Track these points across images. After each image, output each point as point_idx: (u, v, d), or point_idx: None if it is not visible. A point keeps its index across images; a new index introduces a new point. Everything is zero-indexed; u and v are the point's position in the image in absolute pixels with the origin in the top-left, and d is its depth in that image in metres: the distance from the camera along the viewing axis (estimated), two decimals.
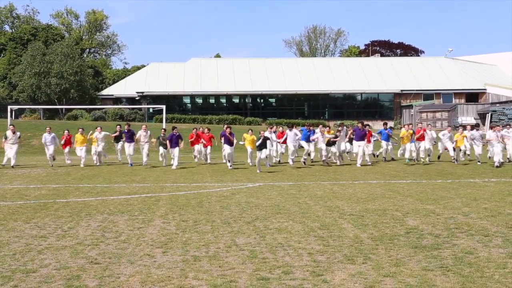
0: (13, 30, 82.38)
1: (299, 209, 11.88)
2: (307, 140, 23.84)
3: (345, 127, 24.91)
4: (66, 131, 25.52)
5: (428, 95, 60.74)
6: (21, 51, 66.52)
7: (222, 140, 23.65)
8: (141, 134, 24.41)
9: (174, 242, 8.63)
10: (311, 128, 24.62)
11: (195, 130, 26.33)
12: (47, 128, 25.59)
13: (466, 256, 7.52)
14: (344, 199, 13.37)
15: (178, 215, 11.20)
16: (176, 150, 23.00)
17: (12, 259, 7.61)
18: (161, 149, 24.01)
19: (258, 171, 20.52)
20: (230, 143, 22.94)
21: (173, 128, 23.90)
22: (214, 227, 9.86)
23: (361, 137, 23.52)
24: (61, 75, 58.25)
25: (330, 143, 23.53)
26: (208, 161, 25.51)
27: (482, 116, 53.81)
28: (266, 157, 21.01)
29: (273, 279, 6.55)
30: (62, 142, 25.21)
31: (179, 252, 7.96)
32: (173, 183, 17.42)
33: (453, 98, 60.15)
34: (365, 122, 26.07)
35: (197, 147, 25.91)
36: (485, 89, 60.10)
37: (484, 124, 52.21)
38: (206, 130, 25.98)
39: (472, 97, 60.42)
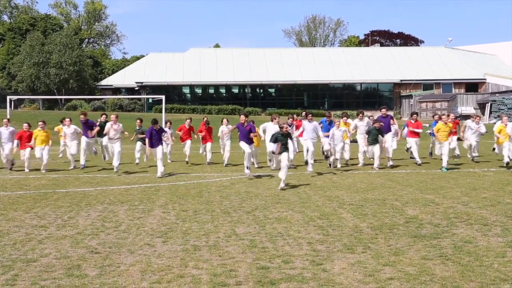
0: (12, 20, 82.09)
1: (298, 199, 11.90)
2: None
3: (366, 117, 19.80)
4: (25, 125, 19.09)
5: (427, 85, 60.67)
6: (20, 41, 66.34)
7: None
8: (109, 127, 17.92)
9: (174, 232, 8.65)
10: (332, 119, 18.89)
11: (189, 121, 21.10)
12: (4, 121, 19.58)
13: (465, 245, 7.55)
14: (344, 189, 13.38)
15: (178, 205, 11.22)
16: (159, 151, 16.59)
17: (13, 249, 7.64)
18: (139, 145, 19.23)
19: (282, 185, 13.52)
20: (248, 139, 16.73)
21: (154, 122, 16.92)
22: (214, 217, 9.88)
23: (388, 128, 18.77)
24: (60, 65, 58.11)
25: (373, 139, 17.80)
26: (208, 159, 20.54)
27: (481, 106, 53.79)
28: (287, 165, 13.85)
29: (273, 268, 6.57)
30: (15, 144, 18.59)
31: (179, 242, 7.98)
32: (172, 173, 17.42)
33: (453, 88, 60.10)
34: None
35: (189, 142, 20.73)
36: (485, 79, 60.04)
37: (484, 114, 52.19)
38: (205, 119, 21.72)
39: (472, 87, 60.37)
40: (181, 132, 20.93)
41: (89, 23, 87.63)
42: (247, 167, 15.93)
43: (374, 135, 17.66)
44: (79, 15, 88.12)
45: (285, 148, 13.92)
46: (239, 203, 11.36)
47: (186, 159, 20.71)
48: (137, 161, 20.20)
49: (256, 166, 18.75)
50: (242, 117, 17.03)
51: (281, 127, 14.13)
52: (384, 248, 7.45)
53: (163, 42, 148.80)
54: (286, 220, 9.50)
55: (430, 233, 8.36)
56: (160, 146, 16.67)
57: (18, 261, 7.01)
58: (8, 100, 37.36)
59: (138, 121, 19.88)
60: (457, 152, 20.20)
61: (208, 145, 20.37)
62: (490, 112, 50.76)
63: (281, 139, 13.87)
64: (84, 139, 18.95)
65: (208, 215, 10.11)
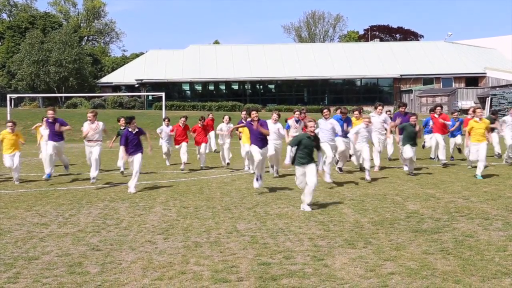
0: (11, 18, 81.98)
1: (299, 194, 11.87)
2: (345, 135, 14.59)
3: (385, 113, 16.84)
4: None
5: (427, 80, 60.61)
6: (19, 40, 66.32)
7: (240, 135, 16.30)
8: (88, 128, 14.58)
9: (175, 229, 8.66)
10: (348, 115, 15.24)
11: (183, 120, 17.97)
12: None
13: (466, 240, 7.55)
14: (344, 184, 13.37)
15: (178, 202, 11.23)
16: (137, 160, 13.06)
17: (14, 247, 7.65)
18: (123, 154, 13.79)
19: (306, 208, 10.04)
20: (261, 141, 12.71)
21: (128, 120, 13.47)
22: (214, 213, 9.89)
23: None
24: (59, 63, 58.09)
25: (410, 138, 14.44)
26: (202, 163, 17.90)
27: (482, 100, 53.73)
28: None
29: (274, 264, 6.57)
30: None
31: (180, 238, 7.99)
32: (173, 170, 17.42)
33: (453, 83, 60.02)
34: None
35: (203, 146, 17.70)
36: (485, 73, 59.96)
37: (484, 108, 52.16)
38: (211, 116, 20.57)
39: (472, 81, 60.29)
40: (173, 133, 17.96)
41: (88, 20, 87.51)
42: (258, 177, 12.49)
43: (411, 133, 14.25)
44: (78, 13, 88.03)
45: (309, 157, 10.24)
46: (240, 200, 11.36)
47: (182, 167, 17.28)
48: (121, 169, 16.04)
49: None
50: (254, 114, 12.68)
51: (305, 126, 10.45)
52: (385, 243, 7.46)
53: (162, 39, 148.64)
54: (287, 216, 9.50)
55: (431, 227, 8.36)
56: (139, 154, 13.08)
57: (19, 259, 7.02)
58: (8, 99, 37.36)
59: (122, 120, 16.20)
60: (497, 150, 17.87)
61: (202, 146, 17.63)
62: (490, 106, 50.68)
63: (307, 143, 10.22)
64: (50, 143, 14.79)
65: (209, 211, 10.12)
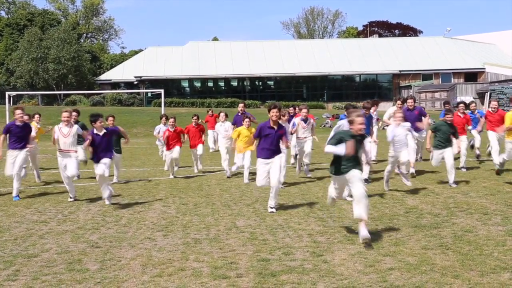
0: (9, 15, 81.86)
1: (298, 190, 11.91)
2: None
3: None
4: None
5: (426, 75, 60.60)
6: (18, 37, 66.29)
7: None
8: (56, 131, 11.33)
9: (175, 225, 8.67)
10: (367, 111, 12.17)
11: (172, 120, 15.01)
12: None
13: (465, 235, 7.56)
14: None
15: (178, 199, 11.23)
16: (102, 167, 10.61)
17: (14, 244, 7.65)
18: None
19: (364, 235, 7.22)
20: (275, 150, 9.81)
21: (92, 119, 10.82)
22: (214, 210, 9.90)
23: (415, 123, 13.71)
24: (58, 60, 58.07)
25: (444, 140, 12.14)
26: (199, 167, 15.99)
27: (481, 96, 53.72)
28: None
29: (274, 260, 6.58)
30: None
31: (179, 235, 7.99)
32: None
33: (452, 78, 60.01)
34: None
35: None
36: (484, 68, 59.95)
37: (482, 104, 52.16)
38: (210, 113, 20.18)
39: (471, 76, 60.27)
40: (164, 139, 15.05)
41: (87, 17, 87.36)
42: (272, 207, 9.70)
43: (445, 133, 12.06)
44: (77, 10, 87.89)
45: (354, 162, 7.60)
46: (239, 196, 11.37)
47: (171, 175, 14.77)
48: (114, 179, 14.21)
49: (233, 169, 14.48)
50: (274, 112, 9.56)
51: (351, 121, 7.71)
52: (384, 239, 7.46)
53: (161, 36, 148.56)
54: (286, 212, 9.51)
55: (430, 223, 8.37)
56: (107, 159, 10.69)
57: (19, 256, 7.02)
58: (7, 96, 37.33)
59: (110, 118, 12.85)
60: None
61: (200, 148, 15.49)
62: (489, 102, 50.73)
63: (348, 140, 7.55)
64: (22, 154, 11.91)
65: (209, 208, 10.12)
